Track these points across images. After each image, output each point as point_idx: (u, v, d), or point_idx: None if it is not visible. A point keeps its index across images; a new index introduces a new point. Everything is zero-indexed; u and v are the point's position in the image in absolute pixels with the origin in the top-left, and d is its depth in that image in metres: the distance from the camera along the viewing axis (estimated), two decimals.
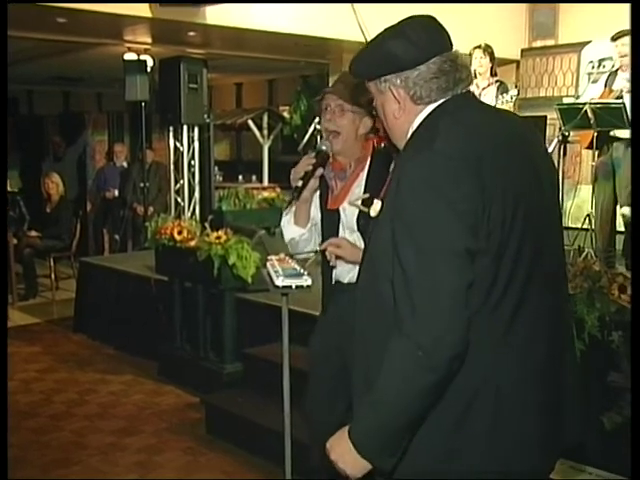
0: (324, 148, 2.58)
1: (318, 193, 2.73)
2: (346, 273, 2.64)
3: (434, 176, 1.53)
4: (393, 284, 1.57)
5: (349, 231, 2.64)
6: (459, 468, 1.62)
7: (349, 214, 2.63)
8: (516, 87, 5.80)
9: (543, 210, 1.69)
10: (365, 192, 2.61)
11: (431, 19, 1.72)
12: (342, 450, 1.62)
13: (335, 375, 2.71)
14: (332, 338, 2.72)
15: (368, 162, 2.64)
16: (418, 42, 1.65)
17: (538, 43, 8.94)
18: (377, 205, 2.03)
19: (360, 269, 1.85)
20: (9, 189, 9.56)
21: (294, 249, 2.74)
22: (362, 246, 2.56)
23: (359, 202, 2.61)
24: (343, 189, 2.66)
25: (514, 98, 5.57)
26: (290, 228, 2.72)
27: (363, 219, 2.60)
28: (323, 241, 2.66)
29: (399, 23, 1.70)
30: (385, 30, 1.71)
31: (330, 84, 8.27)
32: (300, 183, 2.56)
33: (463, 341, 1.50)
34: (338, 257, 2.54)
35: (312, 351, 2.83)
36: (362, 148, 2.63)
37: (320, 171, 2.61)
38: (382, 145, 2.64)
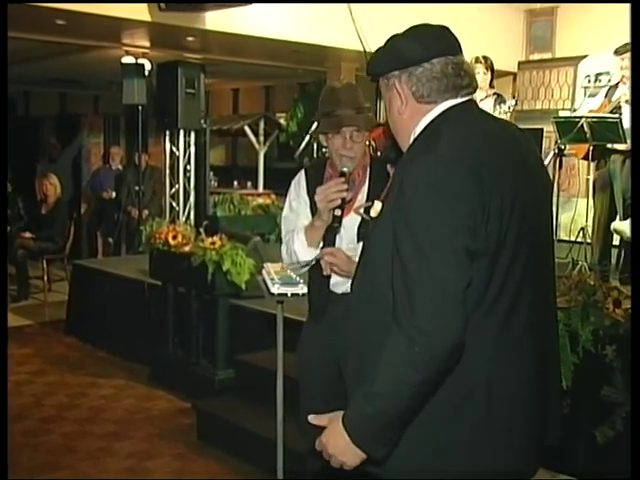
0: (345, 170, 2.58)
1: (308, 204, 2.72)
2: (341, 284, 2.62)
3: (436, 178, 1.59)
4: (392, 282, 1.61)
5: (347, 241, 2.63)
6: (451, 467, 1.66)
7: (348, 224, 2.61)
8: (514, 97, 5.80)
9: (537, 216, 1.75)
10: (368, 200, 2.61)
11: (443, 27, 1.80)
12: (336, 440, 1.66)
13: (330, 385, 2.69)
14: (327, 348, 2.70)
15: (369, 170, 2.69)
16: (424, 42, 1.74)
17: (535, 56, 8.98)
18: (377, 206, 2.02)
19: (357, 270, 1.87)
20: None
21: (302, 270, 2.68)
22: None
23: (362, 210, 2.60)
24: (352, 199, 2.65)
25: (512, 108, 5.58)
26: (306, 252, 2.63)
27: (364, 228, 2.59)
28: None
29: (411, 27, 1.80)
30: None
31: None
32: (339, 212, 2.51)
33: (460, 338, 1.54)
34: (332, 267, 2.50)
35: (305, 362, 2.80)
36: (363, 155, 2.69)
37: (351, 194, 2.62)
38: (378, 153, 2.68)
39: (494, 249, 1.60)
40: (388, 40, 1.81)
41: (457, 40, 1.79)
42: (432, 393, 1.60)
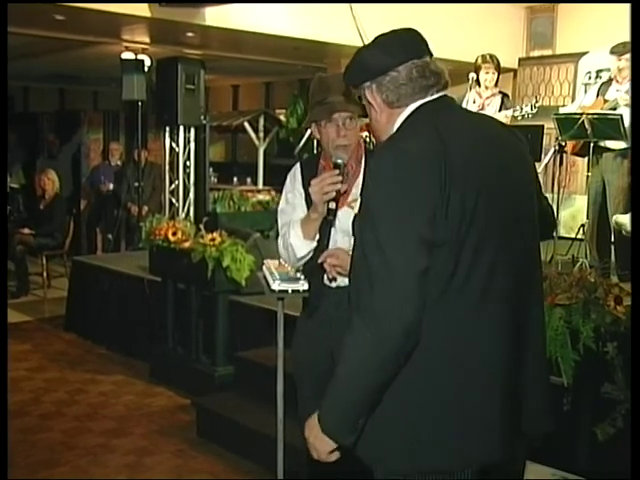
0: (340, 161, 2.54)
1: (303, 197, 2.69)
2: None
3: (396, 171, 1.67)
4: (354, 272, 1.73)
5: (342, 234, 2.59)
6: (428, 456, 1.72)
7: (342, 217, 2.58)
8: (536, 99, 5.76)
9: (512, 207, 1.79)
10: (361, 194, 2.59)
11: (409, 30, 1.87)
12: (311, 429, 1.78)
13: (323, 377, 2.71)
14: (320, 343, 2.71)
15: (363, 163, 2.65)
16: (389, 51, 1.83)
17: (536, 52, 8.97)
18: (359, 201, 2.05)
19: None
20: (14, 185, 9.55)
21: (300, 263, 2.65)
22: None
23: (357, 204, 2.58)
24: (344, 191, 2.61)
25: (535, 109, 5.56)
26: (304, 245, 2.60)
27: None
28: (317, 245, 2.61)
29: (377, 37, 1.89)
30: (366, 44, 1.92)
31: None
32: (333, 205, 2.49)
33: (412, 323, 1.62)
34: (336, 268, 2.46)
35: (299, 354, 2.79)
36: (357, 146, 2.66)
37: (345, 186, 2.57)
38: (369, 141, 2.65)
39: (458, 238, 1.67)
40: (356, 53, 1.90)
41: (424, 40, 1.87)
42: (393, 377, 1.68)
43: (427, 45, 1.86)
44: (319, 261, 2.49)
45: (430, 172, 1.65)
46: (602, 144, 5.33)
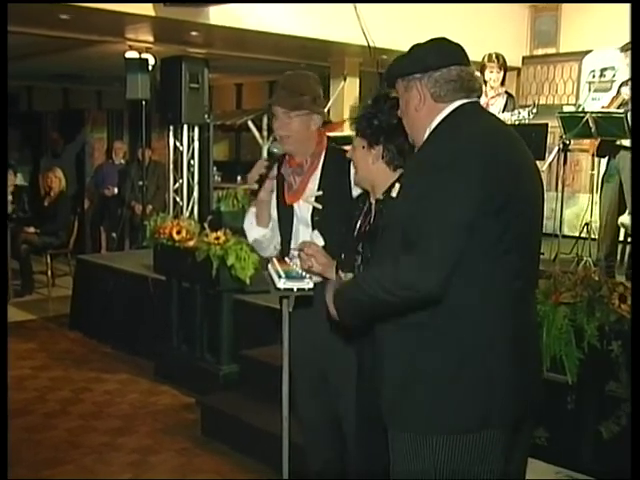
0: (275, 150, 2.75)
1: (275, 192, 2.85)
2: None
3: (451, 157, 1.84)
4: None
5: (304, 226, 2.74)
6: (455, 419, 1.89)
7: (303, 209, 2.74)
8: (534, 104, 5.75)
9: (533, 205, 2.01)
10: (319, 189, 2.73)
11: (458, 44, 2.08)
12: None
13: (315, 374, 2.79)
14: (310, 339, 2.76)
15: (322, 158, 2.76)
16: (443, 51, 2.03)
17: (539, 51, 8.96)
18: (397, 186, 2.24)
19: (377, 246, 2.19)
20: (22, 183, 9.56)
21: (260, 249, 2.91)
22: (321, 243, 2.64)
23: (312, 199, 2.71)
24: (300, 184, 2.75)
25: (532, 115, 5.55)
26: (253, 229, 2.87)
27: (317, 216, 2.72)
28: (282, 237, 2.81)
29: (432, 39, 2.08)
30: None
31: (331, 88, 8.16)
32: (256, 186, 2.74)
33: (435, 294, 1.83)
34: (311, 259, 2.52)
35: (291, 355, 2.83)
36: (316, 143, 2.76)
37: (274, 172, 2.76)
38: (332, 136, 2.84)
39: (503, 224, 1.85)
40: (411, 48, 2.08)
41: (467, 56, 2.07)
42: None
43: (469, 60, 2.06)
44: (296, 248, 2.61)
45: (481, 161, 1.84)
46: (619, 142, 5.31)
